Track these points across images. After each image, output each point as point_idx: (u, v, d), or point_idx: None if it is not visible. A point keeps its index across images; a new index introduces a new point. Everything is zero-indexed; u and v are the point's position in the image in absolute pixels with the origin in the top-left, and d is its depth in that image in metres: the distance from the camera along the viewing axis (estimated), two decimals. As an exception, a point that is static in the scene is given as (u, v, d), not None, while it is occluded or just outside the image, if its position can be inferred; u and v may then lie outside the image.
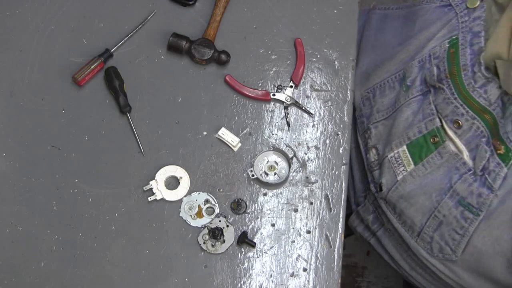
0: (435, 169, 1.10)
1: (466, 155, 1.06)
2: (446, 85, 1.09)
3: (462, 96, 1.07)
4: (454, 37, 1.11)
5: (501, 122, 1.02)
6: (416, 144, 1.13)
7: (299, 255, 1.12)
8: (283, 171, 1.14)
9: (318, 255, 1.12)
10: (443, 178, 1.09)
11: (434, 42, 1.15)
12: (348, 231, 1.39)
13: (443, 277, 1.15)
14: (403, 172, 1.14)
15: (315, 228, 1.13)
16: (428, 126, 1.11)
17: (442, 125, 1.10)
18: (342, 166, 1.15)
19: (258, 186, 1.14)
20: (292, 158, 1.15)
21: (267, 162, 1.15)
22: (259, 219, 1.13)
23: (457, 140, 1.07)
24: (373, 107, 1.25)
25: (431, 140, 1.11)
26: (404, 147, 1.15)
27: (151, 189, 1.12)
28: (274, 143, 1.16)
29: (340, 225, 1.13)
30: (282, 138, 1.17)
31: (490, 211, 1.03)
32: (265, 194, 1.14)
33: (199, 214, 1.12)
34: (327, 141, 1.17)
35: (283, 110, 1.18)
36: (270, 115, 1.18)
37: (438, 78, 1.10)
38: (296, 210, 1.13)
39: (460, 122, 1.07)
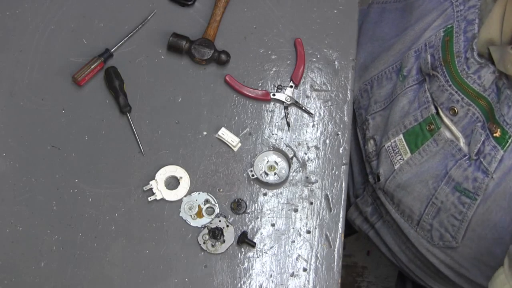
0: (431, 157, 1.11)
1: (462, 142, 1.07)
2: (441, 72, 1.09)
3: (457, 83, 1.07)
4: (449, 26, 1.11)
5: (497, 106, 1.02)
6: (412, 132, 1.13)
7: (299, 255, 1.12)
8: (283, 171, 1.14)
9: (318, 255, 1.12)
10: (439, 165, 1.09)
11: (430, 31, 1.15)
12: (348, 231, 1.39)
13: (442, 268, 1.15)
14: (400, 161, 1.15)
15: (315, 228, 1.13)
16: (424, 114, 1.12)
17: (437, 113, 1.10)
18: (342, 166, 1.16)
19: (258, 186, 1.14)
20: (292, 158, 1.15)
21: (267, 162, 1.15)
22: (259, 219, 1.13)
23: (453, 128, 1.08)
24: (370, 99, 1.26)
25: (427, 127, 1.11)
26: (401, 135, 1.15)
27: (151, 189, 1.12)
28: (274, 143, 1.16)
29: (340, 225, 1.13)
30: (282, 138, 1.17)
31: (487, 195, 1.03)
32: (265, 194, 1.14)
33: (199, 214, 1.12)
34: (327, 141, 1.17)
35: (283, 110, 1.18)
36: (270, 115, 1.18)
37: (433, 66, 1.11)
38: (296, 210, 1.13)
39: (455, 109, 1.07)
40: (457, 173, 1.06)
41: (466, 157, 1.06)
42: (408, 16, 1.24)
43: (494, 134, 1.02)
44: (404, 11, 1.27)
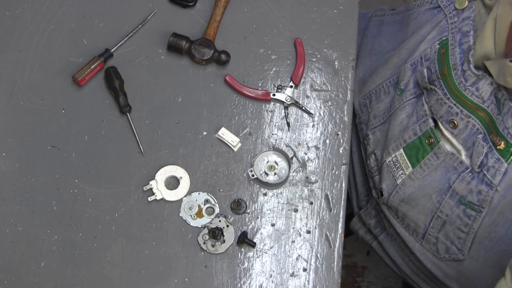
0: (433, 170, 1.10)
1: (463, 155, 1.06)
2: (438, 86, 1.09)
3: (455, 96, 1.07)
4: (444, 38, 1.11)
5: (498, 118, 1.02)
6: (412, 146, 1.13)
7: (299, 255, 1.12)
8: (283, 171, 1.14)
9: (318, 255, 1.12)
10: (442, 178, 1.09)
11: (425, 44, 1.15)
12: (348, 231, 1.39)
13: (448, 281, 1.15)
14: (402, 175, 1.14)
15: (315, 228, 1.13)
16: (423, 128, 1.11)
17: (436, 126, 1.10)
18: (342, 166, 1.16)
19: (258, 186, 1.14)
20: (292, 158, 1.15)
21: (267, 162, 1.15)
22: (259, 219, 1.13)
23: (454, 140, 1.07)
24: (370, 113, 1.25)
25: (427, 141, 1.11)
26: (401, 150, 1.15)
27: (151, 189, 1.12)
28: (274, 143, 1.16)
29: (340, 225, 1.13)
30: (282, 138, 1.17)
31: (493, 207, 1.03)
32: (265, 194, 1.14)
33: (199, 214, 1.12)
34: (327, 141, 1.17)
35: (283, 110, 1.18)
36: (270, 115, 1.18)
37: (430, 80, 1.10)
38: (296, 210, 1.13)
39: (455, 121, 1.07)
40: (460, 186, 1.06)
41: (468, 169, 1.05)
42: (405, 29, 1.23)
43: (498, 147, 1.02)
44: (401, 23, 1.27)
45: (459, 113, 1.06)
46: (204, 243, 1.11)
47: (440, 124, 1.09)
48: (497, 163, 1.02)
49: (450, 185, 1.07)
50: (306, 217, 1.13)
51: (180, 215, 1.12)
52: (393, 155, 1.16)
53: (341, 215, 1.13)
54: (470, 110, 1.05)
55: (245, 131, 1.17)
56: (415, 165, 1.12)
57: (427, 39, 1.15)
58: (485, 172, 1.03)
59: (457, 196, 1.07)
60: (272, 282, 1.11)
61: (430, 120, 1.10)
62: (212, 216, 1.12)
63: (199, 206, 1.12)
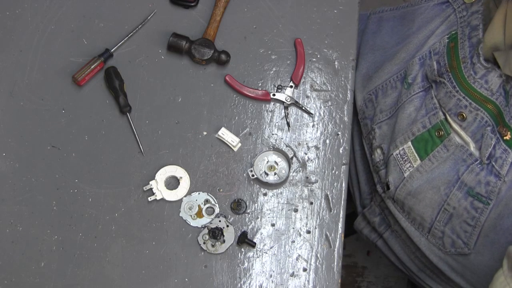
0: (442, 163, 1.10)
1: (472, 147, 1.07)
2: (447, 78, 1.10)
3: (464, 88, 1.07)
4: (453, 32, 1.12)
5: (506, 109, 1.03)
6: (421, 139, 1.13)
7: (299, 255, 1.12)
8: (283, 171, 1.14)
9: (318, 255, 1.12)
10: (450, 170, 1.09)
11: (434, 38, 1.15)
12: (348, 231, 1.39)
13: (454, 276, 1.15)
14: (410, 168, 1.14)
15: (315, 228, 1.13)
16: (432, 121, 1.12)
17: (446, 118, 1.10)
18: (342, 166, 1.16)
19: (258, 186, 1.14)
20: (292, 158, 1.15)
21: (267, 162, 1.15)
22: (259, 219, 1.13)
23: (462, 133, 1.08)
24: (376, 108, 1.25)
25: (436, 134, 1.11)
26: (409, 143, 1.15)
27: (151, 189, 1.12)
28: (274, 143, 1.16)
29: (340, 225, 1.13)
30: (282, 138, 1.17)
31: (500, 199, 1.04)
32: (265, 194, 1.14)
33: (199, 214, 1.12)
34: (327, 141, 1.17)
35: (283, 110, 1.18)
36: (270, 115, 1.18)
37: (439, 73, 1.11)
38: (296, 210, 1.13)
39: (464, 114, 1.07)
40: (469, 178, 1.06)
41: (478, 161, 1.06)
42: (409, 24, 1.24)
43: (505, 137, 1.03)
44: (403, 18, 1.27)
45: (468, 105, 1.07)
46: (204, 243, 1.11)
47: (448, 117, 1.10)
48: (504, 154, 1.03)
49: (459, 177, 1.08)
50: (306, 217, 1.13)
51: (180, 215, 1.12)
52: (400, 148, 1.16)
53: (341, 215, 1.13)
54: (478, 103, 1.06)
55: (245, 131, 1.17)
56: (423, 157, 1.13)
57: (435, 33, 1.15)
58: (493, 163, 1.04)
59: (465, 187, 1.07)
60: (272, 282, 1.11)
61: (440, 113, 1.11)
62: (212, 216, 1.12)
63: (199, 206, 1.12)
